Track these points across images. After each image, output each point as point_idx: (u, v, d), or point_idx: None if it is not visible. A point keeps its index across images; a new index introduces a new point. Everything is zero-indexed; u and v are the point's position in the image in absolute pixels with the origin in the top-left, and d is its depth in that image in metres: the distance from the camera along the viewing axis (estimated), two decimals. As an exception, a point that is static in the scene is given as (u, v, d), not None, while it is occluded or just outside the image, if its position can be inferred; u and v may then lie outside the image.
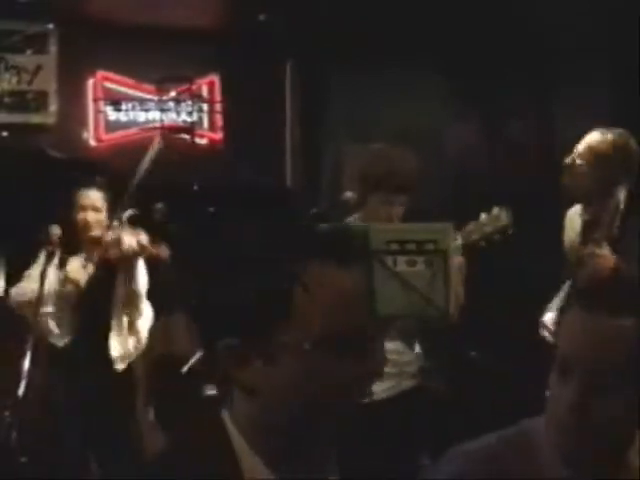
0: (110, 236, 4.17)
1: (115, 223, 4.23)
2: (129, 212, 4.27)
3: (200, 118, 7.27)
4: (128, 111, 7.16)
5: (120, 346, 4.19)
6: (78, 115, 7.05)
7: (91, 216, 4.22)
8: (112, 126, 7.14)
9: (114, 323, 4.20)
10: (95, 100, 7.06)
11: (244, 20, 6.74)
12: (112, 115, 7.14)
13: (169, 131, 6.84)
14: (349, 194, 3.57)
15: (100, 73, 7.06)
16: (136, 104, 7.15)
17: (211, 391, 4.49)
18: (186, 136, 6.72)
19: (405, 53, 6.24)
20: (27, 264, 4.31)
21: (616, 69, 5.73)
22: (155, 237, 4.25)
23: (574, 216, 3.87)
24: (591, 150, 3.69)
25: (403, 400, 3.43)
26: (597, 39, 5.72)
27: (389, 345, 3.34)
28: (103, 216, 4.24)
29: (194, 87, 7.00)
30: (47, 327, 4.17)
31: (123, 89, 7.16)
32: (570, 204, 3.87)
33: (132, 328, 4.23)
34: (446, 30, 6.05)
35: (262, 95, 7.10)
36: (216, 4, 6.88)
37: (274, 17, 6.65)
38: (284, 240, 1.26)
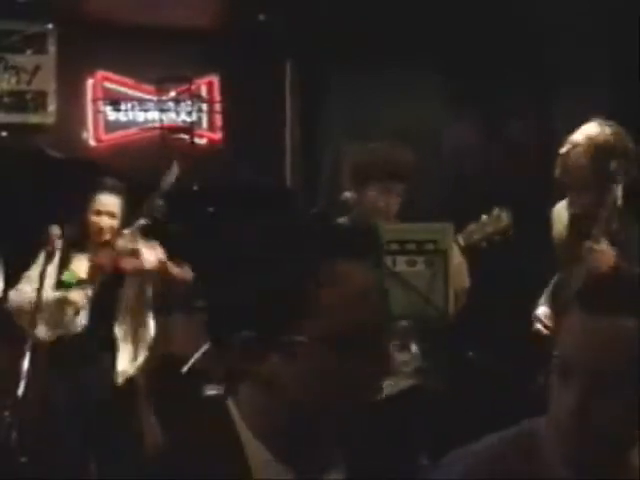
0: (124, 244, 4.16)
1: (126, 231, 4.23)
2: (141, 221, 4.26)
3: (199, 118, 7.27)
4: (127, 111, 7.16)
5: (124, 360, 4.20)
6: (77, 115, 7.05)
7: (105, 221, 4.20)
8: (111, 126, 7.14)
9: (120, 333, 4.20)
10: (94, 100, 7.06)
11: (244, 20, 6.74)
12: (111, 115, 7.14)
13: (168, 131, 6.86)
14: (348, 194, 3.58)
15: (99, 73, 7.06)
16: (135, 104, 7.15)
17: (211, 391, 4.49)
18: (186, 136, 6.73)
19: (405, 53, 6.24)
20: (26, 264, 4.31)
21: (616, 69, 5.72)
22: (176, 257, 4.23)
23: (561, 210, 3.82)
24: (590, 141, 3.62)
25: (401, 400, 3.43)
26: (597, 39, 5.71)
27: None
28: (117, 222, 4.23)
29: (193, 87, 7.01)
30: (43, 329, 4.16)
31: (122, 89, 7.16)
32: (560, 197, 3.83)
33: (136, 340, 4.24)
34: (446, 30, 6.05)
35: (262, 95, 7.10)
36: (216, 4, 6.88)
37: (274, 17, 6.65)
38: (303, 238, 1.25)
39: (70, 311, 4.15)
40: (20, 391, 3.82)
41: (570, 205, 3.74)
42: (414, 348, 3.56)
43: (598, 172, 3.56)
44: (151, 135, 6.96)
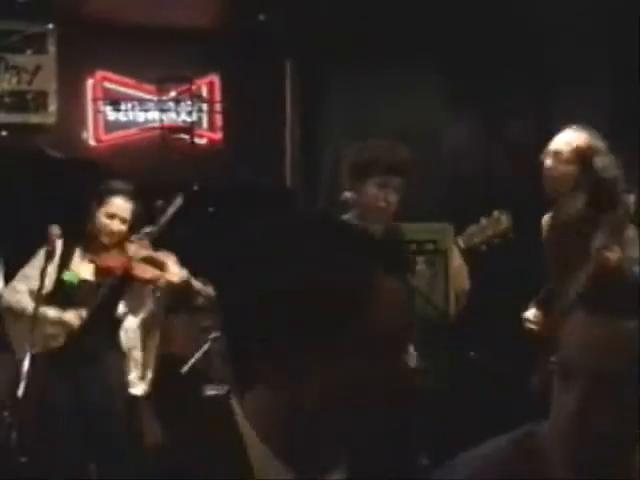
0: (137, 251, 4.15)
1: (135, 237, 4.23)
2: (149, 229, 4.26)
3: (200, 118, 7.27)
4: (128, 111, 7.16)
5: (135, 371, 4.22)
6: (77, 115, 7.05)
7: (116, 225, 4.19)
8: (112, 126, 7.14)
9: (127, 341, 4.21)
10: (94, 100, 7.06)
11: (244, 20, 6.74)
12: (111, 115, 7.14)
13: (169, 131, 6.87)
14: (348, 194, 3.58)
15: (99, 73, 7.06)
16: (136, 104, 7.15)
17: (211, 391, 4.50)
18: (186, 136, 6.73)
19: (405, 53, 6.24)
20: (26, 264, 4.30)
21: (616, 69, 5.72)
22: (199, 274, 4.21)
23: (549, 219, 3.91)
24: (570, 146, 3.68)
25: (400, 399, 3.42)
26: (597, 39, 5.72)
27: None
28: (126, 227, 4.23)
29: (194, 87, 7.01)
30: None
31: (123, 89, 7.16)
32: (549, 205, 3.89)
33: (146, 349, 4.25)
34: (446, 30, 6.05)
35: (262, 95, 7.10)
36: (216, 4, 6.88)
37: (274, 17, 6.65)
38: (309, 238, 1.24)
39: (62, 331, 4.14)
40: (20, 391, 3.82)
41: (562, 210, 3.78)
42: (412, 348, 3.55)
43: (584, 173, 3.63)
44: (151, 135, 6.96)
